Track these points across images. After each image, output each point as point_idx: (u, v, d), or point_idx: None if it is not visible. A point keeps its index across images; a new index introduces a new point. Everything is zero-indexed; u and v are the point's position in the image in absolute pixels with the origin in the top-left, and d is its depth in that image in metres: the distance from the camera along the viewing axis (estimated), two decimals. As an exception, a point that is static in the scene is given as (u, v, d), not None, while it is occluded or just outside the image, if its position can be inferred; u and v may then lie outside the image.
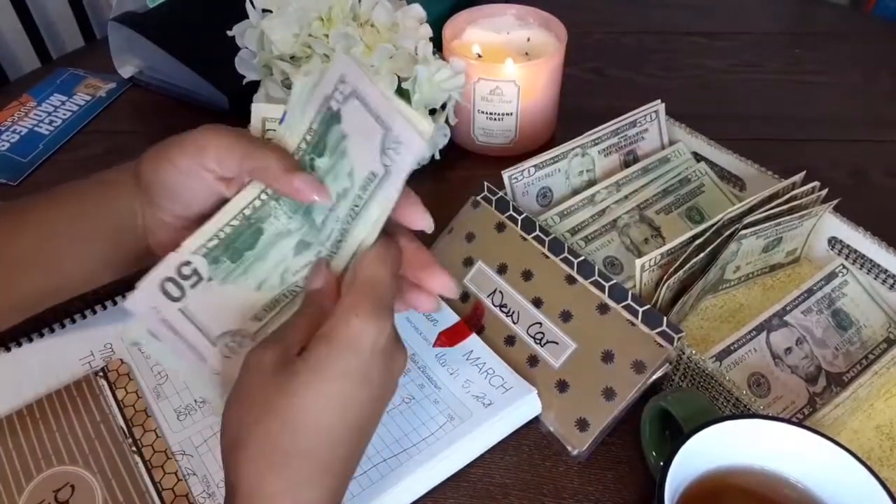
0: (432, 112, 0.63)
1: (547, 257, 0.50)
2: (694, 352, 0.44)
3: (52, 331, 0.51)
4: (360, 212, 0.35)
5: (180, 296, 0.36)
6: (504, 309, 0.50)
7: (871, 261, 0.52)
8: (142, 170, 0.40)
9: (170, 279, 0.36)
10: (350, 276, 0.35)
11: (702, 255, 0.48)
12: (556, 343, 0.47)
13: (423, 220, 0.36)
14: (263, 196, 0.36)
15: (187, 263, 0.36)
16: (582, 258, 0.48)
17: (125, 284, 0.52)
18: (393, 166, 0.33)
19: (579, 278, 0.48)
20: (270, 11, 0.59)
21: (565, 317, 0.48)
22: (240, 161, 0.36)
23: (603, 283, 0.47)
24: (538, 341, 0.48)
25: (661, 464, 0.36)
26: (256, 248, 0.37)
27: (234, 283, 0.37)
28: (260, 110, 0.39)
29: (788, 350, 0.48)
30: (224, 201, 0.38)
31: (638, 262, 0.47)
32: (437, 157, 0.65)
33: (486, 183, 0.54)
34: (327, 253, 0.37)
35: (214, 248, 0.36)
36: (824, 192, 0.53)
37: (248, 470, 0.31)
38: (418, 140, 0.32)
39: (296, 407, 0.31)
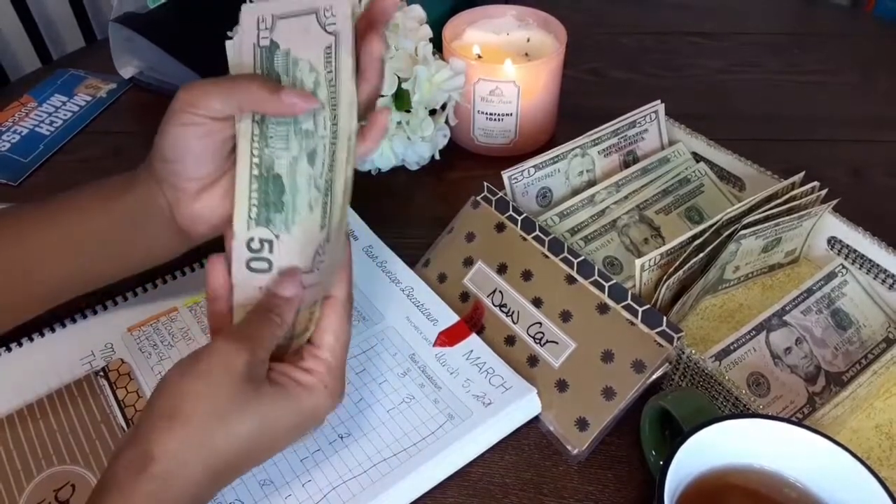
0: (432, 112, 0.63)
1: (547, 257, 0.50)
2: (693, 351, 0.44)
3: (53, 330, 0.51)
4: (336, 83, 0.38)
5: (268, 266, 0.39)
6: (504, 309, 0.50)
7: (871, 261, 0.52)
8: (150, 154, 0.42)
9: (250, 260, 0.39)
10: (325, 335, 0.39)
11: (701, 255, 0.48)
12: (556, 343, 0.47)
13: (338, 290, 0.40)
14: (255, 149, 0.39)
15: (251, 240, 0.39)
16: (582, 258, 0.48)
17: (127, 283, 0.52)
18: (337, 25, 0.38)
19: (579, 278, 0.48)
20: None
21: (565, 316, 0.48)
22: (225, 99, 0.38)
23: (603, 282, 0.47)
24: (538, 341, 0.48)
25: (661, 463, 0.36)
26: (287, 188, 0.39)
27: (295, 223, 0.39)
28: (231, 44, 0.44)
29: (788, 350, 0.48)
30: (226, 143, 0.41)
31: (638, 262, 0.47)
32: (437, 157, 0.65)
33: (486, 183, 0.54)
34: (330, 142, 0.39)
35: (259, 214, 0.39)
36: (824, 192, 0.53)
37: (171, 445, 0.33)
38: None
39: (245, 427, 0.34)
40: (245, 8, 0.38)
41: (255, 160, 0.39)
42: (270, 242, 0.39)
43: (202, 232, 0.43)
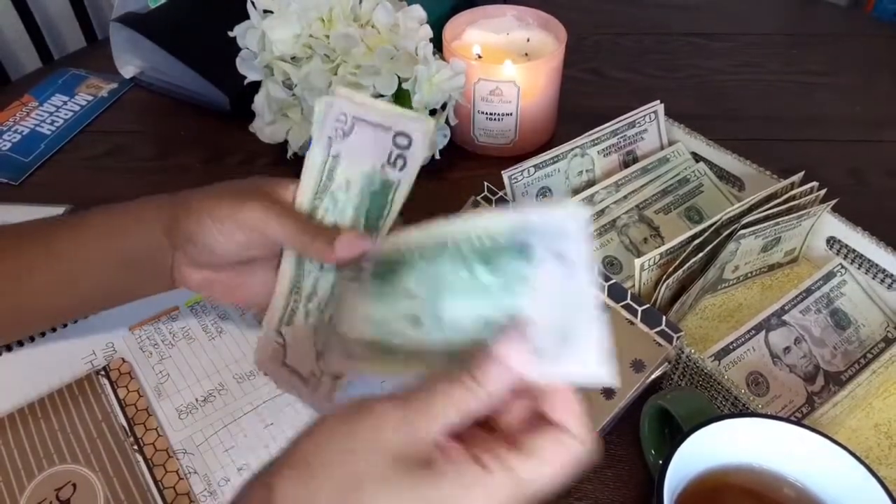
0: (432, 112, 0.63)
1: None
2: (693, 351, 0.44)
3: (54, 330, 0.51)
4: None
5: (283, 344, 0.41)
6: (504, 308, 0.50)
7: (870, 260, 0.52)
8: (180, 221, 0.41)
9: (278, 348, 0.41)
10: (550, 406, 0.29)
11: (701, 254, 0.48)
12: (556, 342, 0.47)
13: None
14: (414, 250, 0.34)
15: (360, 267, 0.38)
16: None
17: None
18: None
19: (579, 278, 0.48)
20: (271, 12, 0.60)
21: (565, 316, 0.48)
22: (286, 241, 0.40)
23: (602, 282, 0.47)
24: (538, 340, 0.48)
25: (661, 462, 0.36)
26: (393, 285, 0.35)
27: (367, 300, 0.36)
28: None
29: (787, 349, 0.48)
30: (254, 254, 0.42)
31: (637, 261, 0.47)
32: (437, 157, 0.65)
33: (486, 183, 0.55)
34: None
35: (382, 264, 0.36)
36: (823, 191, 0.53)
37: (298, 492, 0.27)
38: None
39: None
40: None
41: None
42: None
43: (186, 288, 0.44)
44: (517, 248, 0.29)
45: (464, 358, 0.29)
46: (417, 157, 0.38)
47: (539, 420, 0.29)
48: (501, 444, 0.28)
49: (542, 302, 0.29)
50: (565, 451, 0.28)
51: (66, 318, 0.49)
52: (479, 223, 0.30)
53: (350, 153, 0.40)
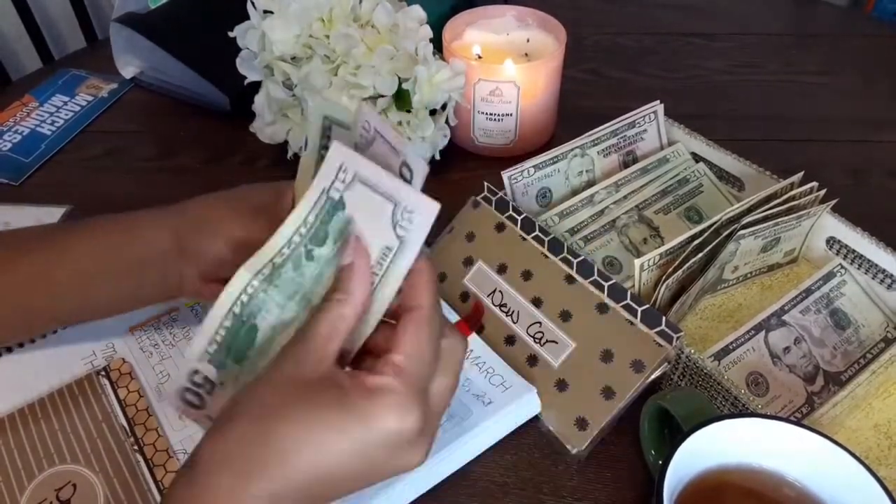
0: (432, 113, 0.63)
1: (546, 257, 0.50)
2: (693, 351, 0.44)
3: (55, 330, 0.51)
4: (377, 287, 0.34)
5: (201, 404, 0.36)
6: (504, 308, 0.50)
7: (869, 261, 0.52)
8: (191, 237, 0.42)
9: (187, 389, 0.36)
10: (402, 334, 0.32)
11: (700, 255, 0.48)
12: (556, 342, 0.47)
13: (422, 299, 0.33)
14: (250, 289, 0.34)
15: (196, 372, 0.35)
16: (581, 258, 0.49)
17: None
18: (408, 235, 0.33)
19: (579, 278, 0.48)
20: (271, 12, 0.60)
21: (565, 316, 0.48)
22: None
23: (602, 282, 0.47)
24: (538, 341, 0.48)
25: (660, 462, 0.36)
26: (257, 344, 0.35)
27: (243, 383, 0.35)
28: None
29: (787, 349, 0.48)
30: None
31: (637, 261, 0.47)
32: (437, 157, 0.65)
33: (486, 183, 0.55)
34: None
35: (216, 353, 0.35)
36: (822, 192, 0.53)
37: (216, 446, 0.30)
38: (431, 204, 0.32)
39: (286, 437, 0.29)
40: (336, 145, 0.33)
41: (244, 298, 0.34)
42: (213, 385, 0.36)
43: (194, 298, 0.46)
44: (331, 209, 0.33)
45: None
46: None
47: (399, 320, 0.33)
48: (382, 355, 0.32)
49: (367, 218, 0.33)
50: (423, 328, 0.32)
51: (74, 322, 0.49)
52: (287, 227, 0.34)
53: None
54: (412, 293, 0.33)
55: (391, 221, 0.33)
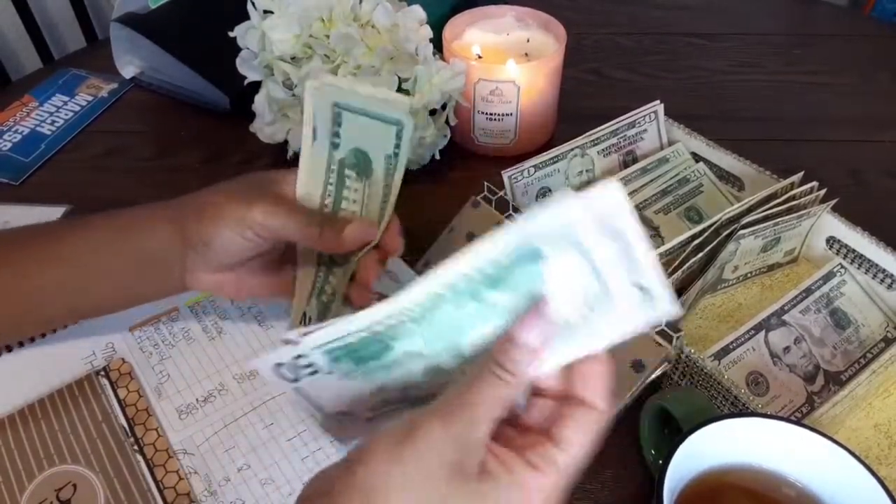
0: (433, 113, 0.63)
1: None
2: (693, 351, 0.44)
3: (55, 330, 0.51)
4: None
5: (295, 378, 0.35)
6: (504, 308, 0.50)
7: (869, 260, 0.52)
8: (194, 226, 0.42)
9: (283, 365, 0.34)
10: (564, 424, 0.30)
11: (700, 254, 0.48)
12: (556, 342, 0.47)
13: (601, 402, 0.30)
14: (402, 317, 0.31)
15: (303, 356, 0.34)
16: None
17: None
18: (594, 321, 0.29)
19: (579, 278, 0.48)
20: (272, 12, 0.60)
21: (565, 316, 0.48)
22: (298, 236, 0.41)
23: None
24: (538, 340, 0.48)
25: (660, 462, 0.36)
26: (381, 360, 0.33)
27: (353, 380, 0.34)
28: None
29: (787, 349, 0.48)
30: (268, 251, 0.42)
31: (637, 261, 0.47)
32: (437, 157, 0.65)
33: (486, 183, 0.55)
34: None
35: (336, 350, 0.33)
36: (822, 192, 0.53)
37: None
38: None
39: None
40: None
41: (392, 321, 0.31)
42: (316, 371, 0.34)
43: (197, 290, 0.45)
44: (527, 257, 0.28)
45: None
46: (408, 139, 0.40)
47: (563, 406, 0.30)
48: (542, 439, 0.29)
49: (562, 286, 0.28)
50: (592, 429, 0.30)
51: (74, 320, 0.49)
52: (470, 259, 0.29)
53: (351, 142, 0.40)
54: (588, 385, 0.30)
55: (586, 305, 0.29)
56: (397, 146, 0.42)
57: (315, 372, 0.34)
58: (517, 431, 0.30)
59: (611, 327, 0.29)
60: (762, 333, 0.48)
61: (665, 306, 0.28)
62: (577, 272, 0.28)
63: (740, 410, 0.42)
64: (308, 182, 0.43)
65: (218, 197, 0.42)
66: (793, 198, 0.52)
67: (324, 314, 0.42)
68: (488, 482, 0.28)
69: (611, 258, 0.27)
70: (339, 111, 0.40)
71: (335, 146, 0.41)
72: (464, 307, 0.30)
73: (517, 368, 0.29)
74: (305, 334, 0.32)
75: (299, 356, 0.34)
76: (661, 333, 0.44)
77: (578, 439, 0.29)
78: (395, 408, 0.36)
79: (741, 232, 0.49)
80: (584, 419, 0.30)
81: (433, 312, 0.30)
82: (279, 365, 0.34)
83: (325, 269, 0.45)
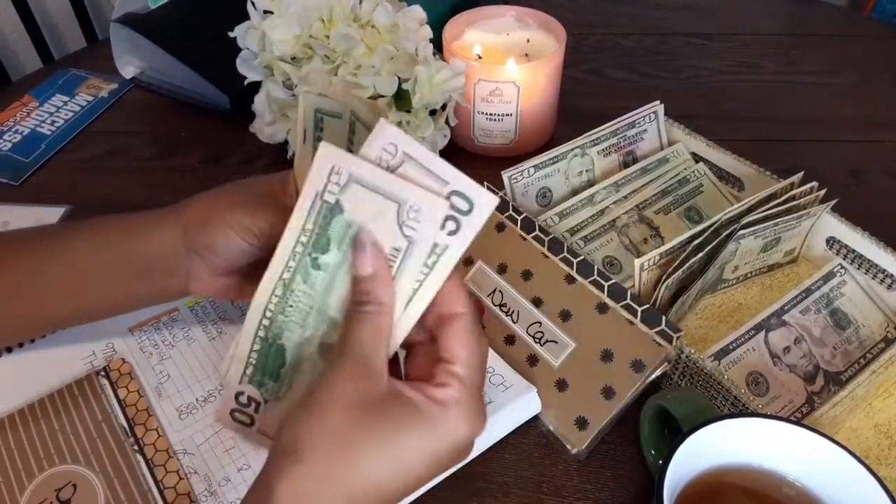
0: (432, 113, 0.63)
1: (546, 257, 0.50)
2: (693, 351, 0.44)
3: (54, 331, 0.51)
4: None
5: (251, 422, 0.37)
6: (504, 308, 0.50)
7: (869, 261, 0.52)
8: (200, 231, 0.42)
9: (235, 411, 0.37)
10: (450, 346, 0.33)
11: (700, 254, 0.48)
12: (556, 342, 0.47)
13: (461, 306, 0.34)
14: (268, 312, 0.35)
15: (241, 394, 0.37)
16: (581, 258, 0.49)
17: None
18: (416, 235, 0.32)
19: (578, 278, 0.48)
20: (272, 12, 0.60)
21: (564, 316, 0.48)
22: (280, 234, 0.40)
23: (602, 282, 0.47)
24: (538, 340, 0.48)
25: (660, 462, 0.36)
26: (288, 363, 0.36)
27: (287, 398, 0.36)
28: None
29: (787, 349, 0.48)
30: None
31: (637, 261, 0.47)
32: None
33: (485, 183, 0.54)
34: None
35: (253, 375, 0.36)
36: (822, 192, 0.53)
37: (295, 485, 0.30)
38: (438, 202, 0.31)
39: (364, 453, 0.30)
40: (324, 146, 0.32)
41: (266, 322, 0.35)
42: (258, 404, 0.37)
43: (201, 295, 0.45)
44: (328, 213, 0.32)
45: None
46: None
47: (436, 332, 0.34)
48: (436, 365, 0.33)
49: (369, 218, 0.32)
50: (470, 332, 0.33)
51: (77, 323, 0.48)
52: (287, 238, 0.33)
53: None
54: (448, 300, 0.33)
55: (397, 222, 0.32)
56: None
57: (258, 405, 0.37)
58: (413, 379, 0.34)
59: (434, 232, 0.32)
60: (762, 333, 0.48)
61: (483, 197, 0.32)
62: (374, 203, 0.32)
63: (740, 410, 0.42)
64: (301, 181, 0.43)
65: (220, 202, 0.42)
66: (793, 198, 0.52)
67: None
68: (406, 406, 0.31)
69: (398, 180, 0.31)
70: (320, 116, 0.39)
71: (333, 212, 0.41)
72: (311, 279, 0.34)
73: (375, 297, 0.32)
74: (226, 373, 0.36)
75: (238, 394, 0.37)
76: (661, 333, 0.44)
77: (463, 347, 0.33)
78: None
79: (741, 232, 0.49)
80: (461, 328, 0.33)
81: (291, 297, 0.34)
82: (234, 411, 0.37)
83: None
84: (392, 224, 0.32)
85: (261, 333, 0.36)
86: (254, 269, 0.44)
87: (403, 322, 0.34)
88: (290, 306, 0.35)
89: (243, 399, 0.37)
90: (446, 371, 0.32)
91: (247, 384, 0.36)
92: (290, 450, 0.30)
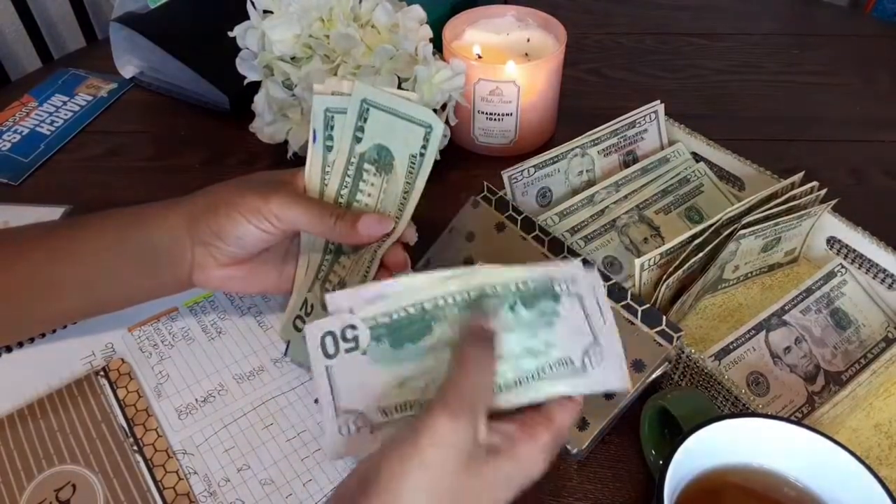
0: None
1: (546, 257, 0.50)
2: (693, 351, 0.44)
3: (54, 330, 0.51)
4: (540, 380, 0.35)
5: (334, 353, 0.35)
6: (504, 308, 0.50)
7: (870, 260, 0.52)
8: (206, 219, 0.42)
9: (331, 333, 0.35)
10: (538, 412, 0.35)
11: (701, 254, 0.48)
12: (556, 342, 0.47)
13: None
14: (451, 299, 0.34)
15: (353, 327, 0.35)
16: (581, 258, 0.49)
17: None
18: (590, 371, 0.35)
19: (579, 278, 0.48)
20: (271, 12, 0.60)
21: (565, 316, 0.48)
22: (313, 226, 0.42)
23: (602, 282, 0.47)
24: (538, 340, 0.48)
25: (661, 462, 0.36)
26: (418, 345, 0.35)
27: (383, 368, 0.35)
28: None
29: (787, 349, 0.48)
30: (279, 244, 0.44)
31: (637, 261, 0.47)
32: (438, 157, 0.65)
33: (485, 183, 0.55)
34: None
35: (381, 326, 0.35)
36: (823, 191, 0.53)
37: None
38: (619, 381, 0.36)
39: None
40: (585, 271, 0.37)
41: (440, 301, 0.35)
42: (355, 348, 0.35)
43: (204, 287, 0.45)
44: (548, 292, 0.35)
45: None
46: (436, 142, 0.42)
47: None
48: (531, 414, 0.34)
49: (568, 328, 0.35)
50: (570, 416, 0.35)
51: (81, 317, 0.48)
52: (515, 274, 0.35)
53: (375, 138, 0.42)
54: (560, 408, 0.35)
55: (583, 348, 0.35)
56: (424, 147, 0.44)
57: (354, 349, 0.35)
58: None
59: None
60: (762, 333, 0.48)
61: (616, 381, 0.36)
62: (576, 317, 0.36)
63: (740, 410, 0.42)
64: (311, 180, 0.44)
65: (230, 190, 0.42)
66: (793, 198, 0.52)
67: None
68: (494, 457, 0.31)
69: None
70: (331, 115, 0.42)
71: (358, 140, 0.42)
72: (501, 312, 0.35)
73: (495, 348, 0.33)
74: (351, 302, 0.34)
75: (351, 326, 0.35)
76: (662, 333, 0.44)
77: (562, 417, 0.34)
78: (406, 414, 0.36)
79: (741, 232, 0.49)
80: (565, 407, 0.35)
81: (474, 306, 0.34)
82: (327, 334, 0.35)
83: (332, 257, 0.45)
84: (578, 345, 0.36)
85: (427, 304, 0.35)
86: (258, 261, 0.44)
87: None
88: (467, 310, 0.35)
89: (350, 333, 0.35)
90: (537, 421, 0.34)
91: (368, 327, 0.34)
92: (391, 490, 0.29)
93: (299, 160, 0.61)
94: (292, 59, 0.61)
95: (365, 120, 0.42)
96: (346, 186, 0.44)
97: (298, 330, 0.45)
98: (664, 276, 0.47)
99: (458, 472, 0.30)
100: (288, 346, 0.46)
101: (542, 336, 0.35)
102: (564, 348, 0.35)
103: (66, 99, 0.78)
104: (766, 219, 0.50)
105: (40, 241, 0.44)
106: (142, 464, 0.44)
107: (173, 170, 0.70)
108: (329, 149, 0.43)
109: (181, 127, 0.75)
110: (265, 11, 0.60)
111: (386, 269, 0.45)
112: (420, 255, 0.56)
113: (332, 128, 0.42)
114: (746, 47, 0.86)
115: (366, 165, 0.43)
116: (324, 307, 0.41)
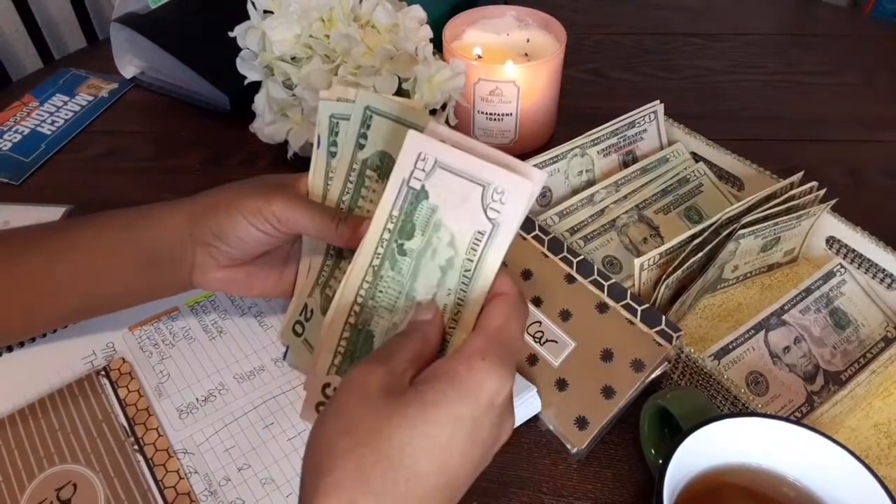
0: (433, 112, 0.63)
1: (546, 257, 0.50)
2: (692, 350, 0.44)
3: (55, 330, 0.51)
4: (473, 274, 0.34)
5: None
6: (504, 308, 0.50)
7: (869, 260, 0.52)
8: (207, 219, 0.42)
9: (320, 403, 0.37)
10: (474, 318, 0.34)
11: (700, 254, 0.48)
12: (556, 342, 0.47)
13: (506, 286, 0.34)
14: (360, 299, 0.36)
15: (328, 385, 0.36)
16: (581, 257, 0.49)
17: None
18: (501, 217, 0.33)
19: (578, 277, 0.48)
20: (272, 12, 0.60)
21: (564, 316, 0.48)
22: (314, 229, 0.41)
23: (602, 282, 0.47)
24: (538, 340, 0.48)
25: (660, 462, 0.36)
26: (375, 349, 0.36)
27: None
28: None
29: (786, 349, 0.48)
30: (280, 246, 0.43)
31: (637, 261, 0.47)
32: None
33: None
34: (448, 326, 0.36)
35: (341, 364, 0.37)
36: (822, 191, 0.53)
37: (329, 499, 0.28)
38: (523, 183, 0.32)
39: (397, 442, 0.28)
40: (412, 134, 0.33)
41: (357, 309, 0.36)
42: None
43: (204, 288, 0.45)
44: (414, 200, 0.34)
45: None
46: (513, 215, 0.33)
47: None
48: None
49: (448, 201, 0.34)
50: (506, 309, 0.33)
51: (81, 318, 0.48)
52: (375, 225, 0.35)
53: (378, 145, 0.40)
54: (496, 282, 0.34)
55: (482, 205, 0.33)
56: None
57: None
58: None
59: (521, 214, 0.33)
60: (762, 333, 0.48)
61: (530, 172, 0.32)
62: (460, 186, 0.33)
63: (740, 410, 0.42)
64: (314, 185, 0.44)
65: (232, 191, 0.42)
66: (792, 198, 0.52)
67: (326, 307, 0.43)
68: (430, 381, 0.30)
69: (483, 163, 0.33)
70: (335, 121, 0.42)
71: (360, 146, 0.42)
72: (398, 266, 0.35)
73: (427, 333, 0.33)
74: (316, 364, 0.37)
75: (325, 385, 0.36)
76: (661, 333, 0.44)
77: (499, 315, 0.32)
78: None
79: (741, 232, 0.49)
80: (500, 302, 0.33)
81: (380, 283, 0.36)
82: (320, 405, 0.36)
83: (333, 262, 0.45)
84: (477, 208, 0.33)
85: (351, 320, 0.36)
86: (259, 264, 0.44)
87: (475, 303, 0.34)
88: (380, 292, 0.36)
89: (329, 391, 0.36)
90: (475, 335, 0.32)
91: (334, 374, 0.36)
92: (318, 466, 0.29)
93: (299, 160, 0.61)
94: (292, 59, 0.61)
95: (368, 127, 0.41)
96: (348, 192, 0.44)
97: (298, 335, 0.45)
98: (664, 276, 0.47)
99: (371, 412, 0.29)
100: (287, 351, 0.46)
101: (443, 241, 0.34)
102: (465, 227, 0.33)
103: (66, 99, 0.78)
104: (766, 219, 0.50)
105: (41, 242, 0.44)
106: (142, 463, 0.44)
107: (174, 170, 0.70)
108: (333, 154, 0.43)
109: (182, 127, 0.75)
110: (265, 11, 0.60)
111: None
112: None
113: (336, 134, 0.42)
114: (746, 47, 0.86)
115: (368, 172, 0.43)
116: (323, 313, 0.42)
